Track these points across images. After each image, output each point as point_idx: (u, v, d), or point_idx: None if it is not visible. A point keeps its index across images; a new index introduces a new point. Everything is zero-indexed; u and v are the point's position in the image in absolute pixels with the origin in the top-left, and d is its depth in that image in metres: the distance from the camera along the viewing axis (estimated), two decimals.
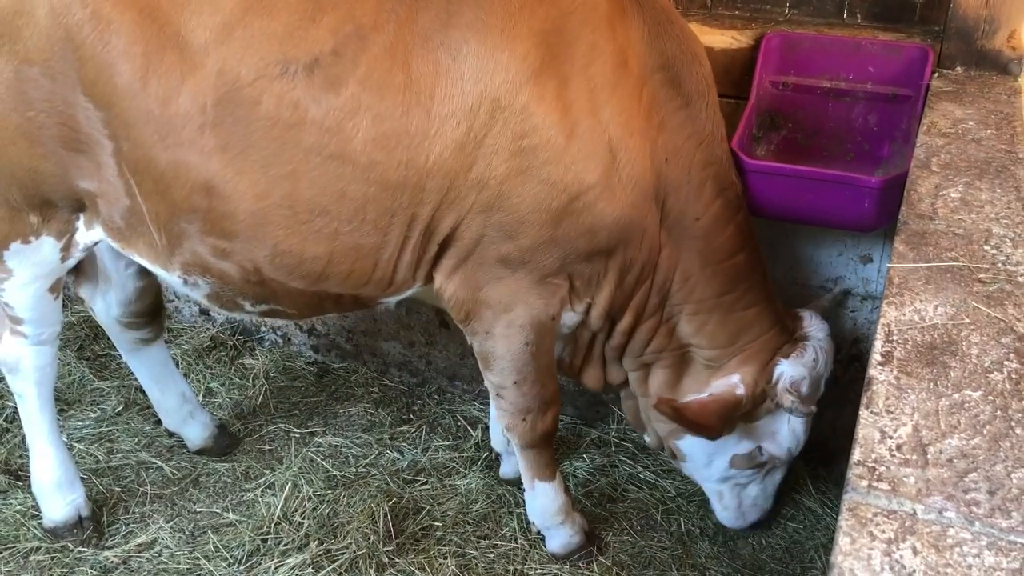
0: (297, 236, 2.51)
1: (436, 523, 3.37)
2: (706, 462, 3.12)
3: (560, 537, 3.23)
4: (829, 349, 2.95)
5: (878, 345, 1.60)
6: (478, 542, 3.31)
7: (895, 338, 1.62)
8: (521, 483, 3.31)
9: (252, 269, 2.61)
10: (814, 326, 2.96)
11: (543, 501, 3.17)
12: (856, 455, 1.37)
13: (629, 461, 3.70)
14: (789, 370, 2.86)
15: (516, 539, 3.32)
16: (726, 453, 3.06)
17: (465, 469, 3.65)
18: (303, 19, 2.37)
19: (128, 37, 2.37)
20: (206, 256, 2.61)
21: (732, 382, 2.90)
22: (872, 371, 1.54)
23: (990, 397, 1.48)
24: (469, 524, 3.38)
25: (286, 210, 2.47)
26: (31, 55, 2.42)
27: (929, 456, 1.36)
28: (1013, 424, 1.42)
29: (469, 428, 3.85)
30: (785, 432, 3.01)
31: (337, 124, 2.38)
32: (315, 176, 2.43)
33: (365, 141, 2.39)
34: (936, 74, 2.89)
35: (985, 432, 1.40)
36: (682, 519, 3.43)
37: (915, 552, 1.20)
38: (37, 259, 2.79)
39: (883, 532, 1.23)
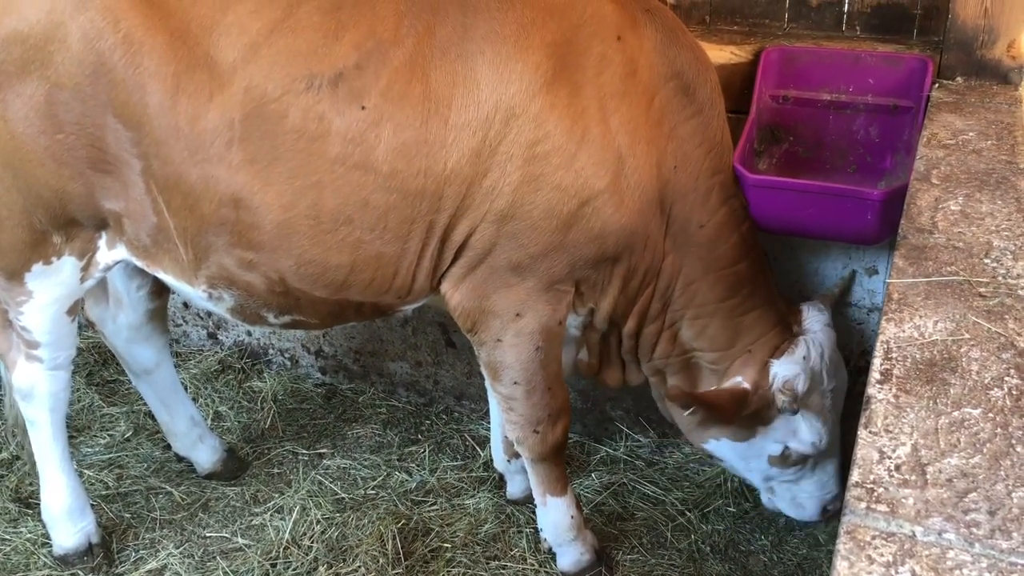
0: (321, 246, 2.56)
1: (445, 544, 3.35)
2: (744, 465, 3.10)
3: (571, 555, 3.20)
4: (826, 339, 2.90)
5: (877, 363, 1.59)
6: (487, 563, 3.29)
7: (894, 355, 1.61)
8: (528, 503, 3.30)
9: (277, 279, 2.65)
10: (811, 318, 2.93)
11: (555, 516, 3.15)
12: (854, 476, 1.35)
13: (638, 479, 3.67)
14: (782, 369, 2.84)
15: (526, 559, 3.30)
16: (760, 456, 3.02)
17: (474, 489, 3.64)
18: (327, 37, 2.45)
19: (159, 58, 2.43)
20: (232, 268, 2.66)
21: (736, 382, 2.91)
22: (871, 390, 1.52)
23: (990, 414, 1.46)
24: (478, 545, 3.37)
25: (311, 220, 2.53)
26: (62, 79, 2.47)
27: (928, 476, 1.34)
28: (1014, 442, 1.40)
29: (477, 448, 3.84)
30: (804, 427, 2.95)
31: (361, 135, 2.44)
32: (339, 186, 2.48)
33: (387, 150, 2.45)
34: (936, 85, 2.88)
35: (985, 451, 1.38)
36: (692, 536, 3.40)
37: None
38: (58, 280, 2.82)
39: (881, 555, 1.21)
